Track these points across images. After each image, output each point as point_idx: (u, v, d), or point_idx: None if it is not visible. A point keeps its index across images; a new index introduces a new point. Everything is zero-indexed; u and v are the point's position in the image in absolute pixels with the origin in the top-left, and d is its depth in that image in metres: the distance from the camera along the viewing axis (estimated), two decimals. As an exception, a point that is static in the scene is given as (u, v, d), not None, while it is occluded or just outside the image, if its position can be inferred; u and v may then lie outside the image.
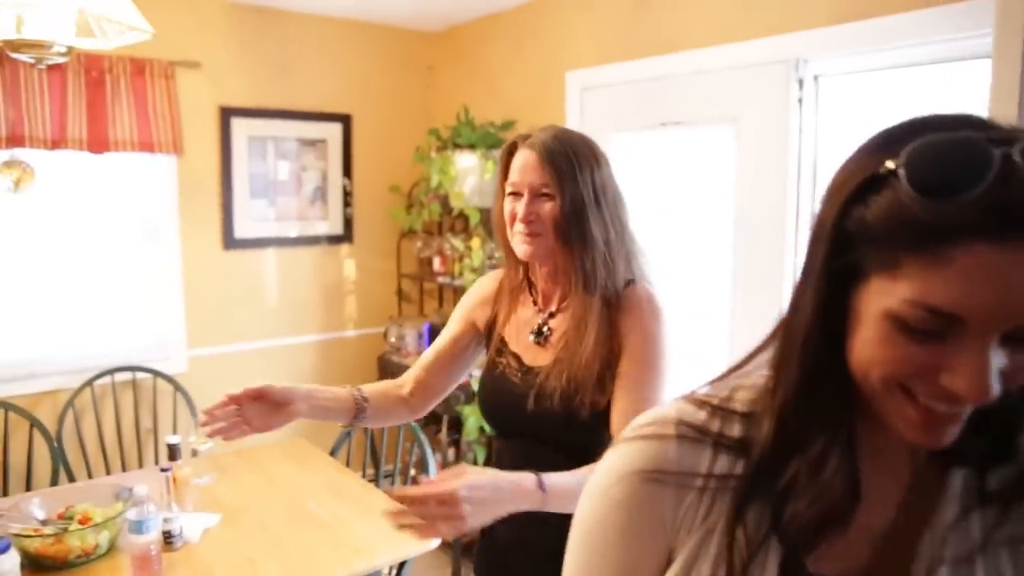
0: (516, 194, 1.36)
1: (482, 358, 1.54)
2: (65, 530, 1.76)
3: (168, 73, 3.15)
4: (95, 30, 1.80)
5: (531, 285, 1.49)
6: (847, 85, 2.34)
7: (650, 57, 2.78)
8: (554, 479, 1.14)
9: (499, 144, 3.26)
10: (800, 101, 2.38)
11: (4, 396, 2.86)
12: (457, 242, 3.47)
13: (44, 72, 2.87)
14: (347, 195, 3.81)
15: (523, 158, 1.35)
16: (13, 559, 1.53)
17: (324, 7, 3.44)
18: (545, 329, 1.42)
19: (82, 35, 1.76)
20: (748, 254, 2.54)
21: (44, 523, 1.85)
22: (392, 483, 3.15)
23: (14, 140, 2.84)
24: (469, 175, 3.31)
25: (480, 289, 1.58)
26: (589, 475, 0.92)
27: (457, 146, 3.37)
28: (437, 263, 3.68)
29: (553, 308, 1.43)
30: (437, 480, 1.08)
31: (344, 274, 3.87)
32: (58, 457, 2.82)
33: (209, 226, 3.46)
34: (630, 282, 1.37)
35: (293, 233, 3.69)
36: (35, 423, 2.80)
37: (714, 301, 2.67)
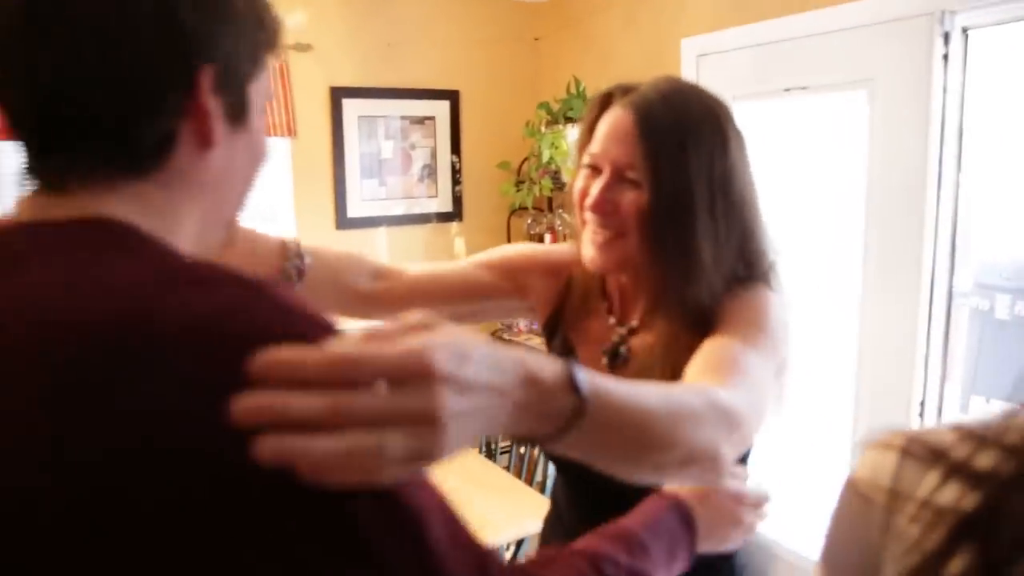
0: (595, 168, 0.98)
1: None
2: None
3: (282, 57, 3.22)
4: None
5: (604, 285, 1.12)
6: (1001, 38, 2.13)
7: (772, 19, 2.62)
8: (600, 379, 0.57)
9: (611, 116, 3.18)
10: (945, 58, 2.18)
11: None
12: (569, 218, 3.42)
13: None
14: (456, 172, 3.82)
15: (613, 120, 0.97)
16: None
17: (431, -17, 3.44)
18: (623, 350, 1.06)
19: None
20: (882, 230, 2.36)
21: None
22: (509, 461, 3.16)
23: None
24: (580, 149, 3.25)
25: (545, 255, 1.20)
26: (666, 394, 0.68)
27: (568, 119, 3.31)
28: (548, 240, 3.64)
29: (635, 322, 1.07)
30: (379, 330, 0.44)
31: (455, 251, 3.89)
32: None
33: (322, 206, 3.55)
34: (739, 281, 0.99)
35: (403, 211, 3.74)
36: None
37: (843, 281, 2.52)
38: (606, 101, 1.01)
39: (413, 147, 3.72)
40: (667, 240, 0.94)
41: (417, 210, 3.77)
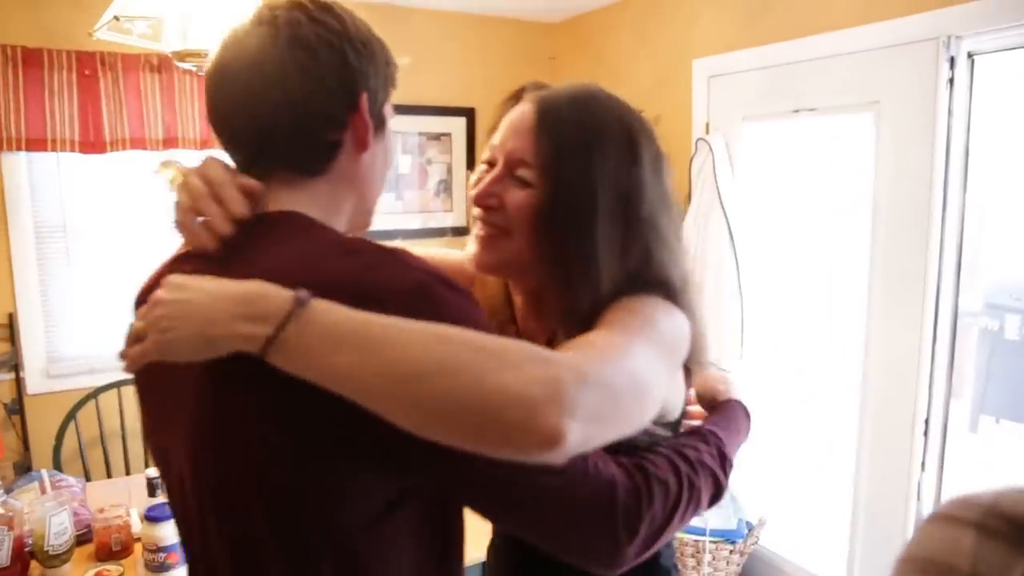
0: (491, 163, 0.92)
1: None
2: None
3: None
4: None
5: (511, 304, 1.02)
6: (1007, 63, 2.17)
7: (782, 42, 2.67)
8: (328, 303, 0.64)
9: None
10: (951, 82, 2.23)
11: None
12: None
13: (194, 78, 3.08)
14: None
15: (514, 113, 0.91)
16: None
17: (445, 2, 3.52)
18: None
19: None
20: (888, 250, 2.40)
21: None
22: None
23: (169, 142, 3.07)
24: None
25: (446, 262, 1.10)
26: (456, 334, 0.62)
27: (580, 138, 3.36)
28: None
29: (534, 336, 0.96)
30: None
31: (467, 265, 3.96)
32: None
33: (341, 219, 3.62)
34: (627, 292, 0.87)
35: (419, 225, 3.81)
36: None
37: (848, 299, 2.55)
38: (517, 97, 0.95)
39: (429, 162, 3.80)
40: (559, 245, 0.85)
41: (433, 224, 3.84)
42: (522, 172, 0.87)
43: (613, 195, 0.85)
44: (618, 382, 0.67)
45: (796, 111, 2.66)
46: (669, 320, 0.83)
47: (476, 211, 0.91)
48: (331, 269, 0.69)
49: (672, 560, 1.06)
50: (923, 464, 2.36)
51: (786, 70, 2.69)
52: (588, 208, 0.84)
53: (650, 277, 0.88)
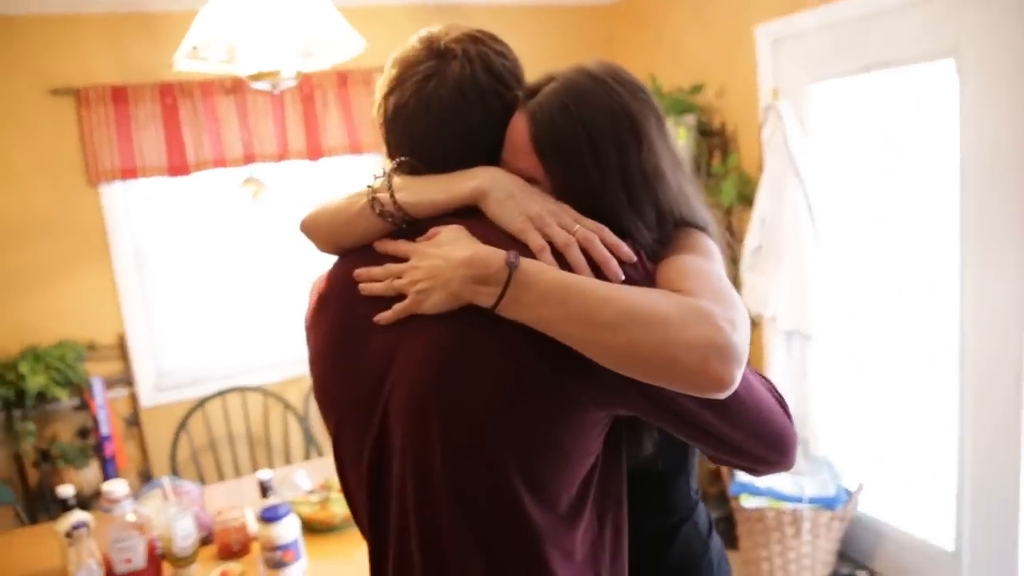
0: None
1: None
2: (328, 498, 2.00)
3: (368, 80, 3.39)
4: (312, 51, 2.00)
5: None
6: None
7: (849, -4, 2.58)
8: (539, 264, 0.81)
9: (690, 110, 3.19)
10: (1036, 21, 2.12)
11: (261, 383, 3.27)
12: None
13: (266, 96, 3.20)
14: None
15: (512, 128, 0.93)
16: (294, 522, 1.77)
17: (502, -4, 3.54)
18: None
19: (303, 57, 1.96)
20: (980, 208, 2.30)
21: (310, 492, 2.11)
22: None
23: (248, 158, 3.21)
24: (660, 144, 3.27)
25: None
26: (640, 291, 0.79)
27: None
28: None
29: None
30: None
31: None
32: (308, 434, 3.20)
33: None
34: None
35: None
36: (287, 405, 3.18)
37: (938, 257, 2.46)
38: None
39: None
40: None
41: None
42: (540, 186, 0.90)
43: (631, 182, 0.89)
44: (744, 320, 0.80)
45: (868, 67, 2.57)
46: (716, 248, 0.96)
47: None
48: None
49: (718, 555, 1.15)
50: (1032, 420, 2.27)
51: (855, 25, 2.59)
52: (601, 206, 0.88)
53: (688, 222, 0.97)
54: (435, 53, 0.93)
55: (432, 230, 0.88)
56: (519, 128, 0.90)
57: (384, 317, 0.87)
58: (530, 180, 0.91)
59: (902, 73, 2.50)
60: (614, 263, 0.82)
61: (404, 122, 0.93)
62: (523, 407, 0.81)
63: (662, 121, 0.94)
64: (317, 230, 1.00)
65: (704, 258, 0.90)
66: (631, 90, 0.91)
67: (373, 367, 0.90)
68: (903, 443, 2.73)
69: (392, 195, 0.90)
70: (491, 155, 0.94)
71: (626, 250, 0.85)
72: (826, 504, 2.66)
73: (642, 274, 0.85)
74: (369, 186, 0.93)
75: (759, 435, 0.84)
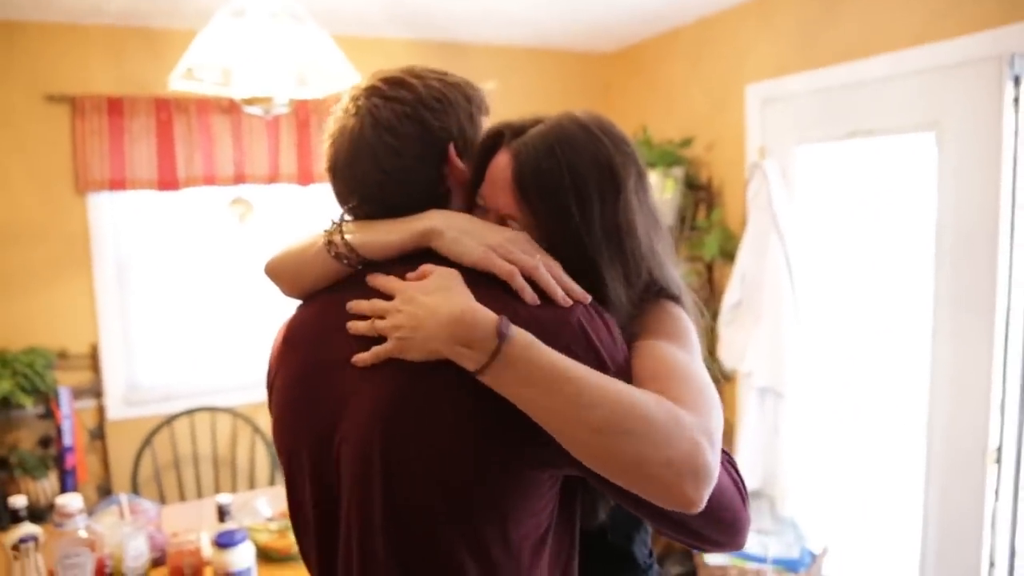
0: (487, 209, 0.96)
1: None
2: (287, 527, 1.97)
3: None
4: (306, 79, 2.02)
5: None
6: (1072, 81, 2.11)
7: (836, 65, 2.65)
8: (530, 338, 0.78)
9: (678, 162, 3.24)
10: (1016, 101, 2.18)
11: (232, 405, 3.24)
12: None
13: (261, 119, 3.23)
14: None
15: (495, 166, 0.93)
16: (249, 549, 1.74)
17: (502, 38, 3.60)
18: None
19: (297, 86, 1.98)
20: (953, 275, 2.34)
21: (270, 519, 2.08)
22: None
23: (238, 178, 3.22)
24: (647, 193, 3.31)
25: None
26: (621, 385, 0.76)
27: (635, 166, 3.38)
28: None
29: None
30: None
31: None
32: (275, 459, 3.15)
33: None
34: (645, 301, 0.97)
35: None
36: (256, 428, 3.15)
37: (911, 325, 2.49)
38: (497, 140, 0.96)
39: (486, 192, 3.86)
40: None
41: (490, 252, 3.89)
42: (513, 224, 0.91)
43: (603, 234, 0.89)
44: (720, 425, 0.80)
45: (852, 134, 2.63)
46: (692, 328, 0.95)
47: None
48: (510, 308, 0.81)
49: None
50: (997, 493, 2.27)
51: (841, 93, 2.66)
52: (587, 250, 0.89)
53: (661, 285, 0.97)
54: (347, 112, 0.94)
55: (423, 268, 0.85)
56: (501, 165, 0.91)
57: (362, 359, 0.84)
58: (504, 218, 0.92)
59: (884, 142, 2.56)
60: (565, 294, 0.84)
61: (333, 174, 0.97)
62: (465, 469, 0.80)
63: (643, 177, 0.95)
64: (281, 272, 1.01)
65: (683, 347, 0.89)
66: (615, 142, 0.92)
67: (329, 411, 0.88)
68: (869, 507, 2.73)
69: (343, 236, 0.91)
70: (439, 201, 0.94)
71: (580, 291, 0.85)
72: (789, 566, 2.64)
73: (617, 350, 0.84)
74: (325, 230, 0.94)
75: (714, 520, 0.82)
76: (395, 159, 0.90)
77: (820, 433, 2.86)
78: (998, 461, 2.26)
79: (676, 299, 0.98)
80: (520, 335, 0.76)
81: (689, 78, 3.41)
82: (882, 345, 2.63)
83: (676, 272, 0.99)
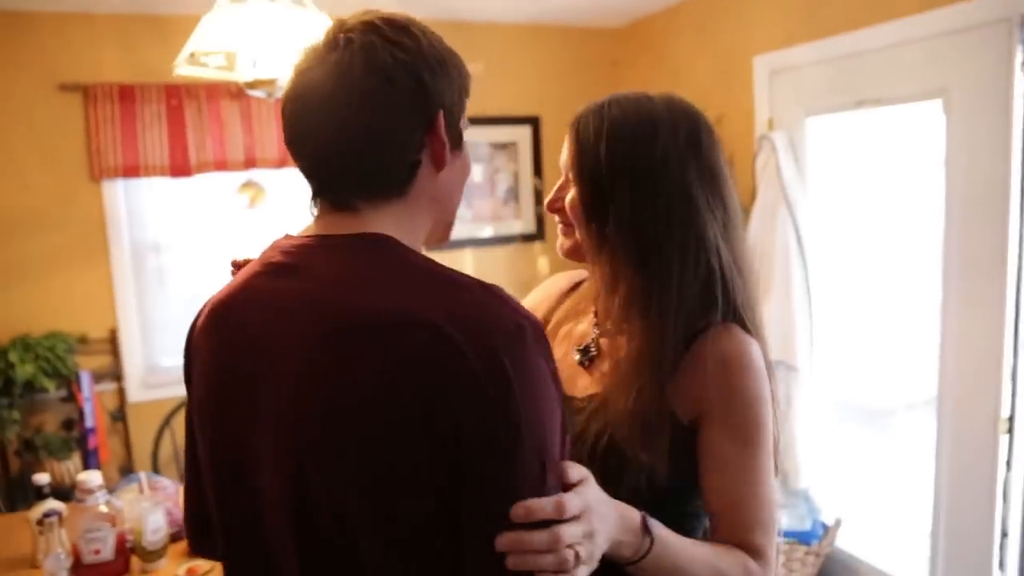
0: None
1: None
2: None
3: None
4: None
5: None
6: (1083, 43, 2.07)
7: (843, 34, 2.62)
8: (663, 529, 0.85)
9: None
10: (1024, 65, 2.15)
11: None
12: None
13: (269, 103, 3.25)
14: (538, 194, 3.95)
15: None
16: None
17: (509, 15, 3.59)
18: (592, 349, 1.07)
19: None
20: (964, 242, 2.32)
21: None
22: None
23: (249, 162, 3.25)
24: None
25: (553, 284, 1.26)
26: (713, 557, 0.89)
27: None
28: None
29: (610, 324, 1.05)
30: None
31: (538, 270, 4.01)
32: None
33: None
34: (709, 324, 0.97)
35: (488, 233, 3.89)
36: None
37: (922, 294, 2.47)
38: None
39: (497, 171, 3.87)
40: (595, 230, 0.99)
41: (502, 231, 3.92)
42: (570, 175, 1.02)
43: (629, 179, 0.95)
44: (775, 538, 0.95)
45: (860, 103, 2.60)
46: (763, 384, 0.97)
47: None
48: (443, 305, 0.70)
49: None
50: (1008, 463, 2.27)
51: (848, 62, 2.63)
52: (608, 194, 0.96)
53: (722, 287, 0.97)
54: (329, 42, 0.79)
55: (575, 474, 0.77)
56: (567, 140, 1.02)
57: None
58: (568, 167, 1.02)
59: (892, 111, 2.53)
60: None
61: (284, 121, 0.81)
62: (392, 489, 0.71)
63: (717, 180, 0.99)
64: None
65: (754, 442, 0.94)
66: (678, 116, 1.00)
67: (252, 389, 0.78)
68: (881, 479, 2.73)
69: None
70: (409, 171, 0.80)
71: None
72: (802, 538, 2.65)
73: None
74: None
75: None
76: (382, 112, 0.76)
77: (833, 405, 2.86)
78: (1009, 431, 2.25)
79: (740, 316, 0.98)
80: (658, 531, 0.84)
81: (696, 51, 3.38)
82: (892, 315, 2.62)
83: (740, 277, 1.00)
